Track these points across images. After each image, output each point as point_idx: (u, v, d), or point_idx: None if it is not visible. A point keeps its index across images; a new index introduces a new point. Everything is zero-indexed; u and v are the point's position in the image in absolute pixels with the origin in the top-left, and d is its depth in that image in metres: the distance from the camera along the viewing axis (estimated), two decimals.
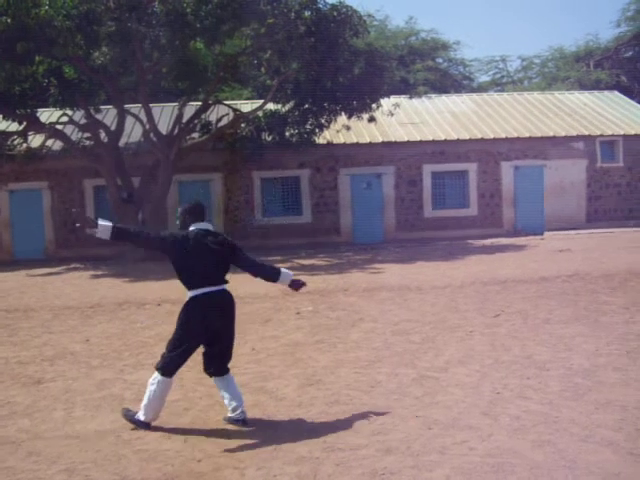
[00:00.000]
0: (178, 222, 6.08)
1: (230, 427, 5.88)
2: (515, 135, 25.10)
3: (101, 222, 5.75)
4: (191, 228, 5.91)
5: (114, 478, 4.93)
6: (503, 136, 25.00)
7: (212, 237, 5.93)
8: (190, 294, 5.81)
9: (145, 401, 5.87)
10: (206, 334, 5.82)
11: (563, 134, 25.17)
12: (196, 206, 6.06)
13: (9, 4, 16.68)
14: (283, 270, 6.12)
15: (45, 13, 16.86)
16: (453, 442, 5.30)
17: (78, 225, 6.03)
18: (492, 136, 24.99)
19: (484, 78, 48.47)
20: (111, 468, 5.11)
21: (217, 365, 5.97)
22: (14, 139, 21.84)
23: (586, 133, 25.27)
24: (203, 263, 5.78)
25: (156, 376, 5.82)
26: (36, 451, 5.50)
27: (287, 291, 6.15)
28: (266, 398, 6.68)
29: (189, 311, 5.81)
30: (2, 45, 17.03)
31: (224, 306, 5.87)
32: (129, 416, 5.99)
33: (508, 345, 8.38)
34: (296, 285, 6.15)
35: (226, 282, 5.94)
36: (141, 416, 5.88)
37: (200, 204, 6.12)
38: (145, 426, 5.86)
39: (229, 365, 6.04)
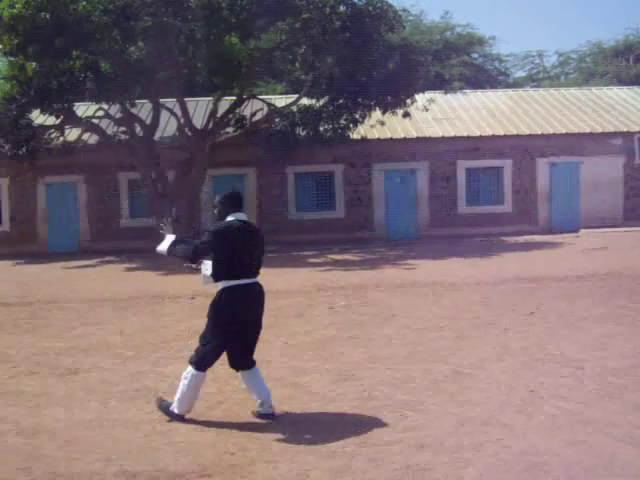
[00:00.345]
0: (216, 211, 6.06)
1: (262, 421, 5.89)
2: (551, 131, 24.74)
3: (160, 247, 6.16)
4: (230, 218, 5.90)
5: (148, 469, 4.98)
6: (539, 132, 24.67)
7: (249, 228, 5.96)
8: (226, 285, 5.77)
9: (178, 395, 5.89)
10: (239, 325, 5.79)
11: (600, 130, 24.73)
12: (234, 194, 6.05)
13: (48, 0, 16.91)
14: None
15: (83, 8, 17.09)
16: (487, 440, 5.26)
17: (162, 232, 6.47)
18: (528, 132, 24.67)
19: (520, 74, 47.92)
20: (145, 459, 5.15)
21: (244, 358, 5.93)
22: (51, 133, 22.11)
23: (624, 129, 24.78)
24: (244, 254, 5.79)
25: (190, 370, 5.84)
26: (72, 440, 5.57)
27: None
28: (299, 392, 6.69)
29: (223, 303, 5.78)
30: (41, 40, 17.26)
31: (259, 298, 5.90)
32: (164, 407, 6.03)
33: (543, 343, 8.30)
34: None
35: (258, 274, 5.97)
36: (175, 409, 5.92)
37: (237, 192, 6.13)
38: (179, 418, 5.90)
39: (255, 358, 6.00)
